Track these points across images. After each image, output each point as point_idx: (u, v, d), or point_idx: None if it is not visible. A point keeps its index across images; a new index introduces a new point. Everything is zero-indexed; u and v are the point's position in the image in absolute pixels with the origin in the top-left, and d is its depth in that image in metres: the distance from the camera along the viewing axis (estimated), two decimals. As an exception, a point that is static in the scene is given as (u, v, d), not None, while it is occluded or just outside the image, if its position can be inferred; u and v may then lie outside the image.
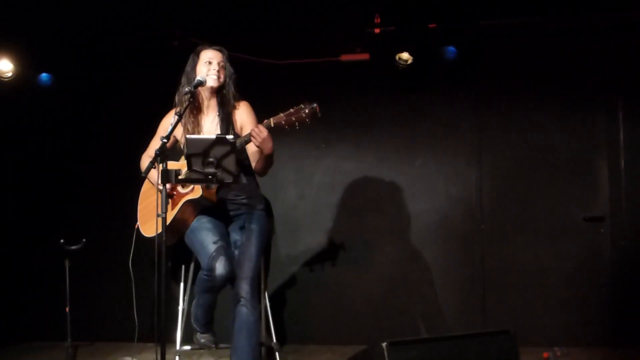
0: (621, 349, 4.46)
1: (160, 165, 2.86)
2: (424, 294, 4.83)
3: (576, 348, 4.42)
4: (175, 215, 3.33)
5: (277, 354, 3.88)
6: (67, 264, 4.20)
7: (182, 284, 3.88)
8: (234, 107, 3.47)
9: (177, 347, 3.85)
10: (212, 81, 3.38)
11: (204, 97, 3.46)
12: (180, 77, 3.51)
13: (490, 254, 4.78)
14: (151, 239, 3.40)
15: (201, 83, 3.30)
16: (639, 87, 4.63)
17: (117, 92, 5.17)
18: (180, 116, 3.10)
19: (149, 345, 4.21)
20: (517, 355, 3.10)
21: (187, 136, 2.95)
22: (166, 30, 4.67)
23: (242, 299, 3.25)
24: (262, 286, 3.74)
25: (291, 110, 3.09)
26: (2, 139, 5.16)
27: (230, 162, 2.89)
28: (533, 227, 4.72)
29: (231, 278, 3.26)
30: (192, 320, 3.60)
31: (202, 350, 4.29)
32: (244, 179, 3.45)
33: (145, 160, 3.63)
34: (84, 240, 4.24)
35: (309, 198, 5.02)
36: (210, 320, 3.61)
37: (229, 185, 3.17)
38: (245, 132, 3.36)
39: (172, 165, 3.26)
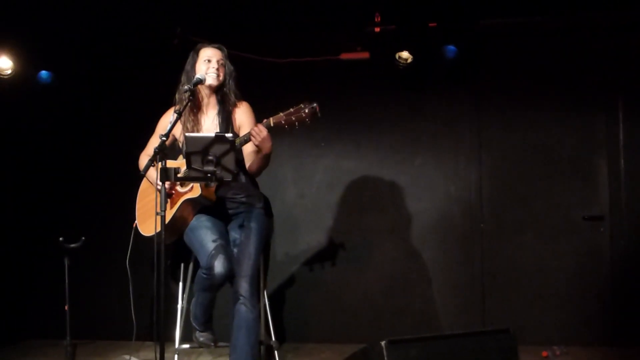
0: (620, 348, 4.46)
1: (159, 163, 2.86)
2: (424, 293, 4.83)
3: (575, 347, 4.43)
4: (175, 214, 3.33)
5: (276, 352, 3.88)
6: (66, 262, 4.19)
7: (181, 283, 3.88)
8: (234, 106, 3.46)
9: (176, 346, 3.85)
10: (211, 79, 3.38)
11: (204, 95, 3.46)
12: (180, 76, 3.51)
13: (490, 253, 4.78)
14: (150, 238, 3.39)
15: (200, 81, 3.29)
16: (638, 86, 4.63)
17: (117, 90, 5.17)
18: (179, 114, 3.10)
19: (147, 343, 4.22)
20: (516, 354, 3.10)
21: (186, 134, 2.95)
22: (166, 29, 4.67)
23: (241, 297, 3.25)
24: (262, 285, 3.74)
25: (291, 109, 3.09)
26: (1, 137, 5.15)
27: (229, 161, 2.88)
28: (533, 227, 4.72)
29: (230, 276, 3.26)
30: (191, 318, 3.60)
31: (201, 349, 4.29)
32: (243, 178, 3.45)
33: (144, 158, 3.62)
34: (83, 238, 4.23)
35: (309, 197, 5.02)
36: (210, 319, 3.61)
37: (228, 183, 3.17)
38: (243, 132, 3.36)
39: (170, 164, 3.26)
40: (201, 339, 3.61)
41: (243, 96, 3.53)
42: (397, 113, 4.94)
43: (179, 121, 3.24)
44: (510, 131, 4.82)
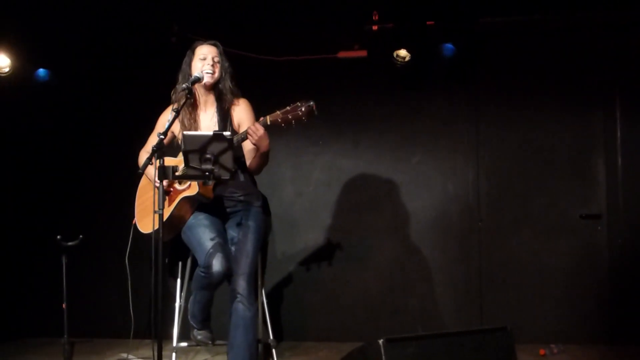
0: (617, 346, 4.47)
1: (157, 161, 2.85)
2: (421, 291, 4.83)
3: (572, 345, 4.44)
4: (172, 211, 3.32)
5: (273, 350, 3.88)
6: (64, 260, 4.19)
7: (179, 281, 3.87)
8: (232, 103, 3.46)
9: (174, 344, 3.84)
10: (207, 77, 3.37)
11: (201, 93, 3.45)
12: (177, 74, 3.50)
13: (488, 251, 4.78)
14: (148, 235, 3.39)
15: (198, 80, 3.29)
16: (636, 85, 4.65)
17: (114, 88, 5.16)
18: (177, 112, 3.09)
19: (145, 341, 4.22)
20: (513, 352, 3.09)
21: (184, 132, 2.94)
22: (164, 27, 4.66)
23: (238, 296, 3.24)
24: (259, 283, 3.74)
25: (288, 108, 3.08)
26: (-1, 135, 5.16)
27: (227, 159, 2.88)
28: (530, 225, 4.73)
29: (228, 275, 3.26)
30: (189, 317, 3.60)
31: (198, 347, 4.29)
32: (241, 176, 3.45)
33: (144, 155, 3.62)
34: (81, 236, 4.23)
35: (307, 195, 5.02)
36: (207, 317, 3.60)
37: (226, 182, 3.17)
38: (243, 129, 3.36)
39: (169, 161, 3.27)
40: (199, 337, 3.60)
41: (241, 94, 3.53)
42: (395, 111, 4.94)
43: (177, 119, 3.24)
44: (508, 130, 4.83)
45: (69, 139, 5.25)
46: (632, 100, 4.65)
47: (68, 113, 5.22)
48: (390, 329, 4.64)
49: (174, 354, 3.82)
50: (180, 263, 3.89)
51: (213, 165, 2.84)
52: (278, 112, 3.09)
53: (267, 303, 3.90)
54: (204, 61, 3.39)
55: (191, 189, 3.29)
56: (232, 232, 3.42)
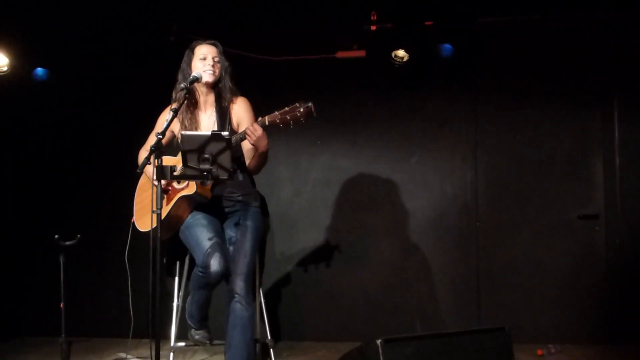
0: (615, 346, 4.48)
1: (156, 161, 2.85)
2: (419, 291, 4.84)
3: (570, 345, 4.45)
4: (170, 210, 3.32)
5: (271, 350, 3.88)
6: (61, 259, 4.18)
7: (176, 280, 3.87)
8: (232, 102, 3.46)
9: (172, 344, 3.84)
10: (207, 76, 3.37)
11: (201, 92, 3.45)
12: (177, 74, 3.50)
13: (486, 251, 4.79)
14: (146, 235, 3.39)
15: (197, 79, 3.29)
16: (634, 86, 4.65)
17: (113, 88, 5.16)
18: (175, 112, 3.09)
19: (143, 341, 4.23)
20: (511, 352, 3.10)
21: (182, 132, 2.94)
22: (163, 27, 4.66)
23: (236, 295, 3.24)
24: (257, 283, 3.74)
25: (286, 108, 3.08)
26: (-4, 134, 5.15)
27: (225, 159, 2.88)
28: (528, 225, 4.74)
29: (226, 274, 3.25)
30: (186, 316, 3.60)
31: (196, 347, 4.28)
32: (240, 176, 3.44)
33: (143, 154, 3.61)
34: (79, 235, 4.23)
35: (305, 195, 5.02)
36: (205, 317, 3.60)
37: (224, 181, 3.17)
38: (242, 129, 3.36)
39: (168, 160, 3.26)
40: (196, 336, 3.60)
41: (240, 93, 3.53)
42: (393, 111, 4.94)
43: (177, 118, 3.24)
44: (506, 130, 4.83)
45: (67, 138, 5.24)
46: (631, 100, 4.66)
47: (66, 112, 5.21)
48: (388, 329, 4.64)
49: (171, 354, 3.82)
50: (178, 262, 3.88)
51: (211, 165, 2.84)
52: (276, 113, 3.09)
53: (265, 303, 3.90)
54: (204, 61, 3.38)
55: (189, 188, 3.29)
56: (230, 232, 3.42)
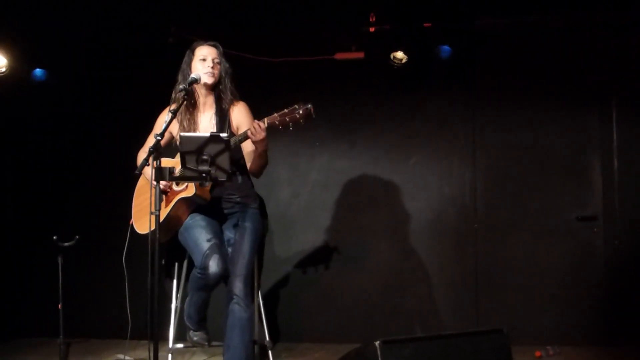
0: (613, 348, 4.48)
1: (154, 162, 2.85)
2: (418, 293, 4.84)
3: (568, 347, 4.45)
4: (169, 212, 3.32)
5: (270, 352, 3.88)
6: (60, 260, 4.18)
7: (175, 282, 3.87)
8: (232, 104, 3.45)
9: (170, 345, 3.84)
10: (206, 78, 3.36)
11: (200, 94, 3.45)
12: (176, 75, 3.49)
13: (484, 252, 4.79)
14: (145, 236, 3.39)
15: (195, 80, 3.28)
16: (632, 86, 4.65)
17: (112, 89, 5.16)
18: (174, 114, 3.09)
19: (142, 342, 4.22)
20: (509, 354, 3.10)
21: (181, 134, 2.94)
22: (162, 28, 4.66)
23: (235, 297, 3.24)
24: (256, 284, 3.74)
25: (285, 110, 3.08)
26: (-5, 135, 5.15)
27: (224, 161, 2.87)
28: (526, 226, 4.74)
29: (225, 276, 3.25)
30: (185, 318, 3.60)
31: (195, 348, 4.29)
32: (239, 178, 3.44)
33: (142, 156, 3.60)
34: (77, 237, 4.22)
35: (303, 196, 5.02)
36: (204, 318, 3.60)
37: (223, 183, 3.17)
38: (240, 132, 3.35)
39: (167, 162, 3.26)
40: (195, 338, 3.60)
41: (240, 96, 3.52)
42: (391, 113, 4.94)
43: (176, 120, 3.23)
44: (504, 131, 4.83)
45: (66, 139, 5.24)
46: (629, 101, 4.66)
47: (65, 113, 5.20)
48: (387, 331, 4.64)
49: (170, 355, 3.82)
50: (176, 264, 3.88)
51: (210, 166, 2.84)
52: (276, 115, 3.09)
53: (264, 304, 3.90)
54: (204, 62, 3.38)
55: (188, 189, 3.29)
56: (229, 234, 3.42)
